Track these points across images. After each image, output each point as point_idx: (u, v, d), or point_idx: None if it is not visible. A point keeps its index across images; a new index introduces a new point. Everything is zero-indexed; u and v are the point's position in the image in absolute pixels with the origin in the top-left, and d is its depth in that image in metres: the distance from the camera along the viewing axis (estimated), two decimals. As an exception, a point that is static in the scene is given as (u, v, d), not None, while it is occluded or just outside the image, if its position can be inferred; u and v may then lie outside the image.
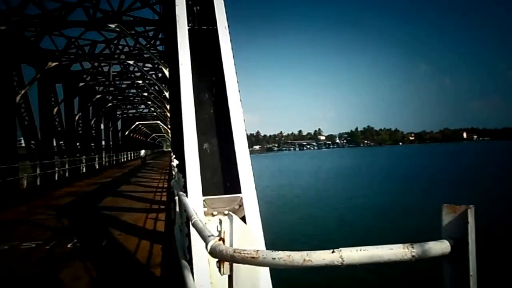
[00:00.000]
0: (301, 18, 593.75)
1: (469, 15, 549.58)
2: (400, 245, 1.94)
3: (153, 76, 33.00)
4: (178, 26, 5.17)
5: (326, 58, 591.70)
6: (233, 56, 5.11)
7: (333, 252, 1.88)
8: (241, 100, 4.82)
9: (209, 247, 2.41)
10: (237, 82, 4.94)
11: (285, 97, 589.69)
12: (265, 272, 3.70)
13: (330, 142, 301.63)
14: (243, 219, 4.10)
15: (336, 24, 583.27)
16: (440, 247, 2.03)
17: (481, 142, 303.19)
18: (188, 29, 5.18)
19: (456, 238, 2.06)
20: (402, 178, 62.22)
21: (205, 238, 2.59)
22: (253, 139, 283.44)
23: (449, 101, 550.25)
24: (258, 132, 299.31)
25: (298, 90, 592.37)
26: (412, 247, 1.94)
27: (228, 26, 5.28)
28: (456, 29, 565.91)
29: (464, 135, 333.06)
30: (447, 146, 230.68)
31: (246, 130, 4.82)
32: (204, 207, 4.13)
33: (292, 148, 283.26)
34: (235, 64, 5.07)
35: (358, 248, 1.90)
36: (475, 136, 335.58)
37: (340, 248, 1.89)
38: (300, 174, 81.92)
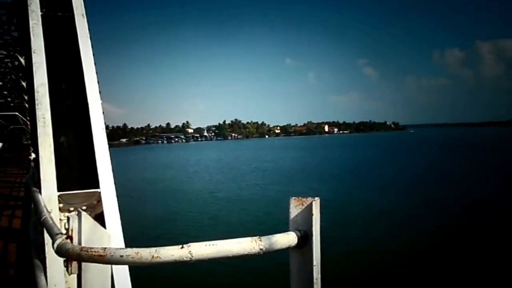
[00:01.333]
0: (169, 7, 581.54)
1: (334, 14, 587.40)
2: (249, 239, 2.01)
3: (9, 64, 30.09)
4: (30, 11, 4.84)
5: (193, 51, 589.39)
6: (92, 46, 4.94)
7: (182, 247, 1.89)
8: (100, 92, 4.73)
9: (55, 246, 2.34)
10: (96, 72, 4.81)
11: (152, 89, 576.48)
12: (121, 270, 3.62)
13: (198, 135, 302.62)
14: (101, 214, 4.03)
15: (204, 18, 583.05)
16: (287, 239, 2.14)
17: (341, 135, 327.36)
18: (42, 15, 4.91)
19: (303, 230, 2.19)
20: (267, 171, 64.48)
21: (52, 236, 2.51)
22: (119, 132, 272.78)
23: (313, 96, 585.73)
24: (125, 125, 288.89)
25: (166, 82, 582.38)
26: (260, 240, 2.01)
27: (86, 14, 5.08)
28: (320, 26, 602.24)
29: (326, 128, 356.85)
30: (310, 139, 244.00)
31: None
32: (60, 203, 4.01)
33: (160, 141, 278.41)
34: (94, 54, 4.88)
35: (208, 242, 1.93)
36: (336, 129, 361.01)
37: (189, 244, 1.90)
38: (166, 168, 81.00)
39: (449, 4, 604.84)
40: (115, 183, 4.23)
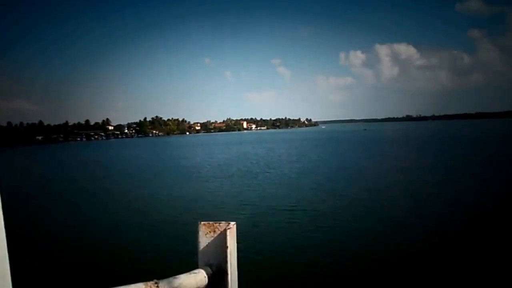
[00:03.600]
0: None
1: (248, 15, 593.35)
2: (141, 285, 1.52)
3: None
4: None
5: (113, 47, 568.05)
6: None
7: None
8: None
9: None
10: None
11: (70, 86, 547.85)
12: None
13: (118, 132, 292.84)
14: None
15: (125, 15, 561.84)
16: (194, 280, 1.62)
17: (259, 131, 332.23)
18: None
19: (215, 264, 1.70)
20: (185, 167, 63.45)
21: None
22: (35, 129, 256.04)
23: (231, 94, 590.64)
24: (41, 122, 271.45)
25: (84, 78, 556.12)
26: (157, 285, 1.53)
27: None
28: (236, 26, 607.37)
29: (245, 124, 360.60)
30: (229, 135, 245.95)
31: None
32: None
33: (79, 139, 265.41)
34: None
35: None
36: (254, 126, 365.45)
37: None
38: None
39: (352, 8, 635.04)
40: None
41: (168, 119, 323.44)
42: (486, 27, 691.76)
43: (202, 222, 1.71)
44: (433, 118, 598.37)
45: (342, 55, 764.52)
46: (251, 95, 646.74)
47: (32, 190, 45.76)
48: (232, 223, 1.72)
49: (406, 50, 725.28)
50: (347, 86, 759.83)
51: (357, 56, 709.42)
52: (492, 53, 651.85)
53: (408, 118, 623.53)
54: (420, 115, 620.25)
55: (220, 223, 1.69)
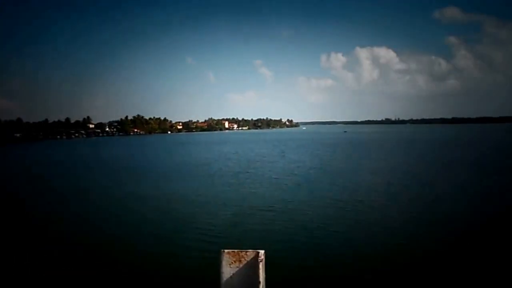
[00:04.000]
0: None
1: (230, 15, 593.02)
2: None
3: None
4: None
5: (95, 46, 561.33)
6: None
7: None
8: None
9: None
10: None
11: (51, 83, 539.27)
12: None
13: (99, 131, 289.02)
14: None
15: (109, 13, 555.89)
16: None
17: (240, 131, 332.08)
18: None
19: None
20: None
21: None
22: (13, 127, 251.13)
23: (213, 93, 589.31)
24: (19, 119, 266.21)
25: (65, 75, 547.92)
26: None
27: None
28: (218, 27, 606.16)
29: (226, 124, 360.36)
30: (211, 135, 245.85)
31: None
32: None
33: (59, 137, 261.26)
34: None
35: None
36: (235, 126, 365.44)
37: None
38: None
39: (333, 12, 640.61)
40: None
41: (150, 118, 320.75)
42: (462, 35, 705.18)
43: (226, 251, 1.54)
44: (411, 121, 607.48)
45: (323, 57, 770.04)
46: (233, 96, 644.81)
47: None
48: (262, 252, 1.53)
49: (386, 54, 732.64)
50: (328, 88, 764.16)
51: (338, 59, 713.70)
52: (468, 60, 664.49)
53: (387, 121, 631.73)
54: (398, 118, 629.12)
55: (247, 251, 1.51)
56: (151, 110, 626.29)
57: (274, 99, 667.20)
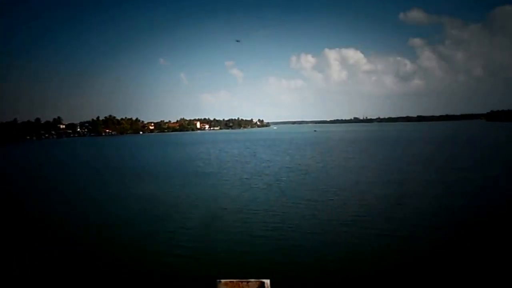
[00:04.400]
0: None
1: (201, 17, 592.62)
2: None
3: None
4: None
5: (65, 45, 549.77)
6: None
7: None
8: None
9: None
10: None
11: (20, 83, 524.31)
12: None
13: (71, 131, 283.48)
14: None
15: (77, 13, 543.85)
16: None
17: (212, 131, 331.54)
18: None
19: None
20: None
21: None
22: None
23: (185, 94, 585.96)
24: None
25: (35, 75, 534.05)
26: None
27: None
28: (189, 28, 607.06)
29: (198, 125, 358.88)
30: (182, 135, 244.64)
31: None
32: None
33: (28, 137, 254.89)
34: None
35: None
36: (207, 126, 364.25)
37: None
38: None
39: (302, 14, 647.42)
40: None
41: (122, 119, 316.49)
42: (426, 36, 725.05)
43: (223, 281, 1.11)
44: (379, 120, 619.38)
45: (293, 58, 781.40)
46: (205, 96, 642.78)
47: None
48: (267, 282, 1.07)
49: (354, 55, 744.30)
50: (298, 88, 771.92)
51: (308, 60, 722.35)
52: (431, 60, 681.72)
53: (356, 120, 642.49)
54: (366, 117, 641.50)
55: (248, 282, 1.05)
56: (123, 110, 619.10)
57: (245, 99, 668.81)
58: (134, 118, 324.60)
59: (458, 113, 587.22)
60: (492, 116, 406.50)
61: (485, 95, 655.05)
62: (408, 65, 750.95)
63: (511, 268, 17.04)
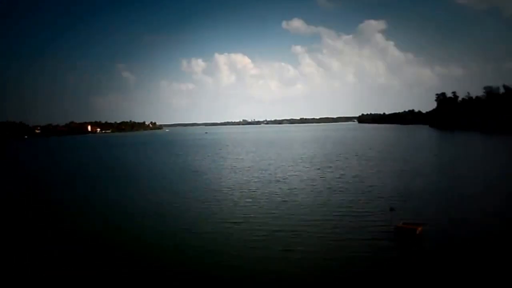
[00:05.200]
0: None
1: (92, 18, 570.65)
2: None
3: None
4: None
5: None
6: None
7: None
8: None
9: None
10: None
11: None
12: None
13: None
14: None
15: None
16: None
17: (104, 134, 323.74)
18: None
19: None
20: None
21: None
22: None
23: (74, 97, 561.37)
24: None
25: None
26: None
27: None
28: (73, 27, 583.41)
29: (89, 128, 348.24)
30: (73, 139, 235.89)
31: None
32: None
33: None
34: None
35: None
36: (99, 129, 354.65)
37: None
38: None
39: (193, 19, 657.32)
40: None
41: (2, 122, 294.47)
42: (306, 44, 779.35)
43: None
44: (266, 122, 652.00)
45: (184, 62, 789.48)
46: (96, 99, 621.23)
47: None
48: None
49: (242, 60, 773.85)
50: (189, 91, 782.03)
51: (198, 64, 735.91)
52: (311, 67, 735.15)
53: (244, 122, 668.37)
54: (254, 119, 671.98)
55: None
56: (8, 113, 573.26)
57: (137, 102, 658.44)
58: (18, 122, 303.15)
59: (334, 116, 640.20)
60: (362, 118, 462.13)
61: (357, 99, 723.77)
62: (291, 71, 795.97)
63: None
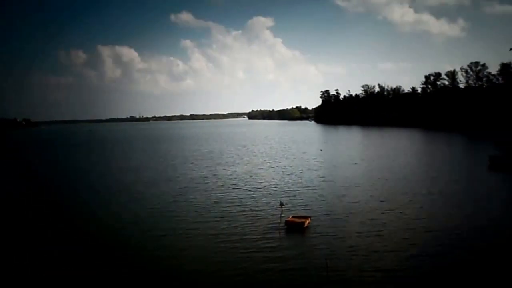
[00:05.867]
0: None
1: None
2: None
3: None
4: None
5: None
6: None
7: None
8: None
9: None
10: None
11: None
12: None
13: None
14: None
15: None
16: None
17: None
18: None
19: None
20: None
21: None
22: None
23: None
24: None
25: None
26: None
27: None
28: None
29: None
30: None
31: None
32: None
33: None
34: None
35: None
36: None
37: None
38: None
39: (71, 7, 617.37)
40: None
41: None
42: (196, 39, 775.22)
43: None
44: (155, 118, 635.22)
45: (61, 53, 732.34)
46: None
47: None
48: None
49: (128, 53, 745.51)
50: (69, 85, 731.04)
51: (79, 56, 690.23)
52: (201, 62, 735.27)
53: (132, 119, 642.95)
54: (142, 116, 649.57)
55: None
56: None
57: (5, 96, 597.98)
58: None
59: (225, 112, 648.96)
60: (252, 115, 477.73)
61: (247, 96, 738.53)
62: (180, 66, 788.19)
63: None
